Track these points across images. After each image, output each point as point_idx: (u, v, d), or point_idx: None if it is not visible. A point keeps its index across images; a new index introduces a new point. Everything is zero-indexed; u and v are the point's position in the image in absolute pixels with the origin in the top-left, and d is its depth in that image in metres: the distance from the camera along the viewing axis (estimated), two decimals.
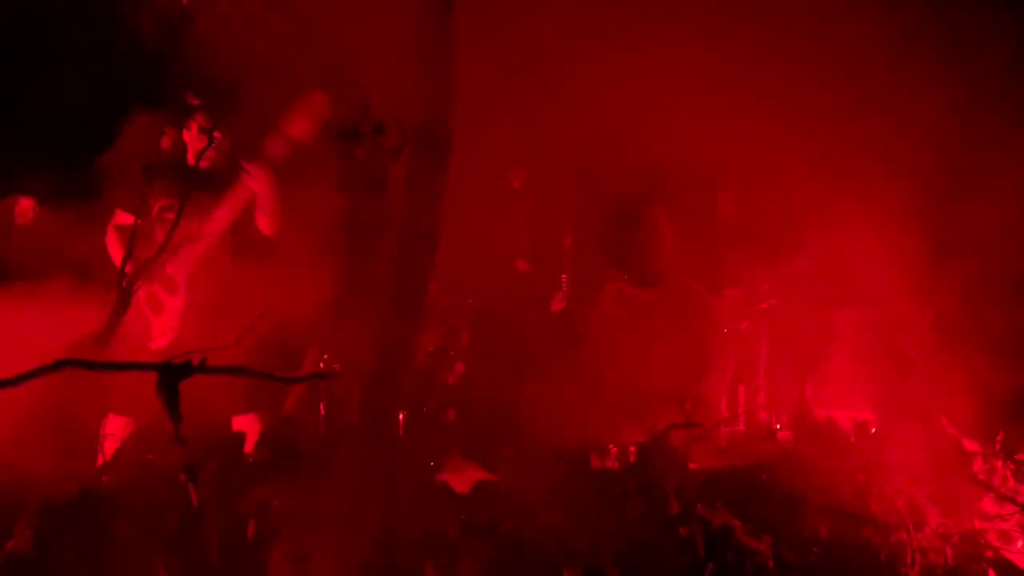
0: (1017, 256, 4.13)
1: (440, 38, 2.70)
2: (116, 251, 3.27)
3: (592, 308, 4.54)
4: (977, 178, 4.03)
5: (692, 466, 3.66)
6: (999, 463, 3.29)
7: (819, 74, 4.32)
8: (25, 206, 3.68)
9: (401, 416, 3.55)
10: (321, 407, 3.91)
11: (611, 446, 3.80)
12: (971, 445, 3.65)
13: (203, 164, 3.30)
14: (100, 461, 2.87)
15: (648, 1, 4.58)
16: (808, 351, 4.78)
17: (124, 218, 3.32)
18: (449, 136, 2.69)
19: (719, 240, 4.95)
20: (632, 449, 3.80)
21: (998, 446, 3.30)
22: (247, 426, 3.33)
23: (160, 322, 3.28)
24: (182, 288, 3.31)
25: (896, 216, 4.39)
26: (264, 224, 3.40)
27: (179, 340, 3.21)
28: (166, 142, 3.53)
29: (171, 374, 1.62)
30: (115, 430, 3.14)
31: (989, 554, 2.99)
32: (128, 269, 2.21)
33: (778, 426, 4.64)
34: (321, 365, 3.76)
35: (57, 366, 1.74)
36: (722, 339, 4.89)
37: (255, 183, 3.31)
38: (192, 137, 3.38)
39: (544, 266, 5.09)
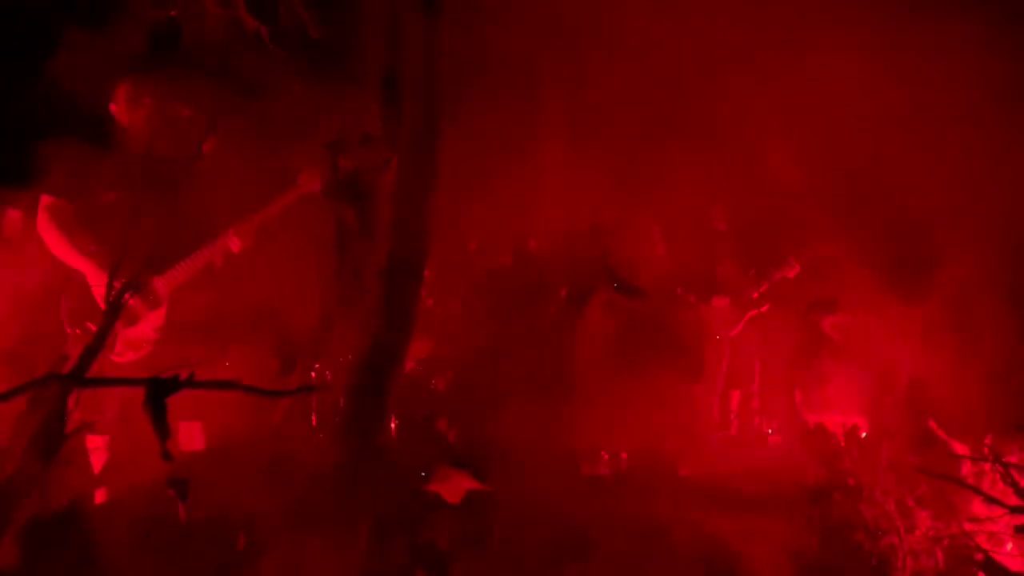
0: (1004, 262, 4.16)
1: (429, 46, 2.71)
2: (53, 240, 3.09)
3: (583, 317, 4.55)
4: (963, 186, 4.05)
5: (683, 472, 3.68)
6: (987, 466, 3.30)
7: (809, 81, 4.34)
8: (13, 218, 3.64)
9: (392, 424, 3.54)
10: (312, 417, 3.90)
11: (603, 453, 3.81)
12: (960, 448, 3.67)
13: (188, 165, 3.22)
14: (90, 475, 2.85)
15: (639, 8, 4.60)
16: (798, 357, 4.80)
17: (53, 203, 3.09)
18: (438, 145, 2.70)
19: (711, 250, 4.98)
20: (624, 456, 3.81)
21: (986, 449, 3.32)
22: (191, 434, 3.22)
23: (130, 335, 3.12)
24: (165, 302, 3.15)
25: (884, 223, 4.41)
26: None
27: (161, 355, 3.11)
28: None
29: (159, 389, 1.61)
30: (98, 445, 3.07)
31: (979, 556, 3.00)
32: (117, 283, 2.18)
33: (769, 432, 4.66)
34: (312, 375, 3.73)
35: (44, 381, 1.74)
36: (714, 346, 4.92)
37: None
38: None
39: (537, 274, 5.09)
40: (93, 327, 3.03)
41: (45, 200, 3.11)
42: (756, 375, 4.97)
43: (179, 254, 3.20)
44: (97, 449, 3.07)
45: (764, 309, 4.82)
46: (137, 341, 3.13)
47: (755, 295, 4.82)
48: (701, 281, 4.92)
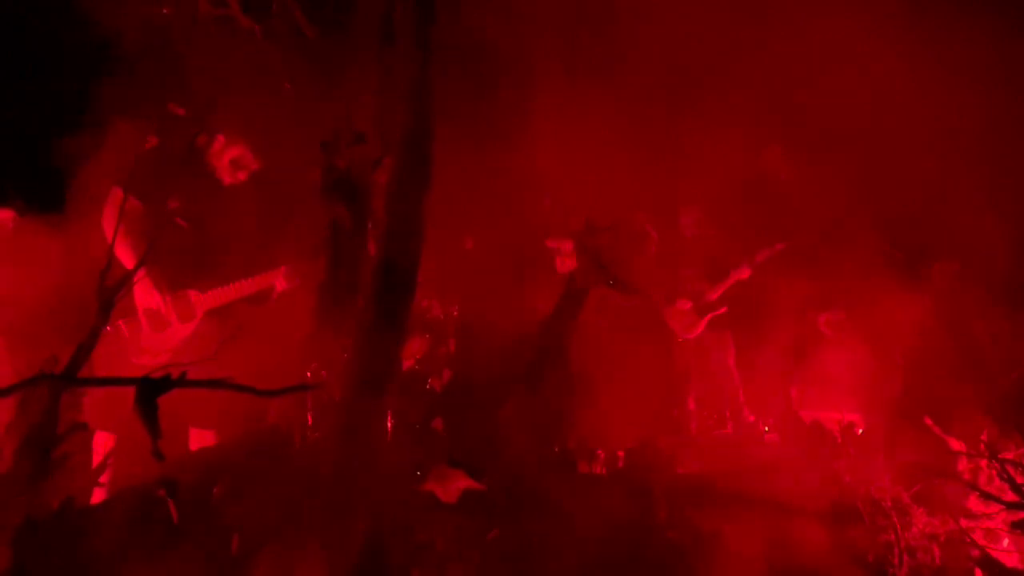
0: (999, 258, 4.17)
1: (422, 43, 2.70)
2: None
3: (579, 314, 4.54)
4: (957, 181, 4.06)
5: (680, 470, 3.67)
6: (984, 462, 3.31)
7: (801, 74, 4.34)
8: (4, 218, 3.63)
9: (388, 423, 3.53)
10: (308, 417, 3.88)
11: (599, 451, 3.80)
12: (956, 445, 3.68)
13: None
14: (82, 476, 2.84)
15: (632, 5, 4.60)
16: (793, 354, 4.80)
17: (125, 199, 3.04)
18: (431, 143, 2.69)
19: (679, 254, 5.01)
20: (620, 454, 3.80)
21: (982, 446, 3.32)
22: (205, 442, 3.25)
23: (155, 340, 3.16)
24: (196, 320, 3.22)
25: (878, 219, 4.42)
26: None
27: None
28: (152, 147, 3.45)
29: (149, 389, 1.60)
30: (99, 445, 3.09)
31: (976, 553, 3.00)
32: (108, 282, 2.17)
33: (765, 429, 4.66)
34: (308, 374, 3.73)
35: (34, 381, 1.72)
36: (705, 345, 4.93)
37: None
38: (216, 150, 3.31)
39: (532, 272, 5.09)
40: (124, 326, 3.08)
41: (118, 194, 3.11)
42: (749, 373, 4.98)
43: (225, 278, 3.28)
44: (101, 448, 3.09)
45: (722, 311, 4.84)
46: (158, 347, 3.15)
47: (712, 297, 4.85)
48: (669, 284, 4.95)
